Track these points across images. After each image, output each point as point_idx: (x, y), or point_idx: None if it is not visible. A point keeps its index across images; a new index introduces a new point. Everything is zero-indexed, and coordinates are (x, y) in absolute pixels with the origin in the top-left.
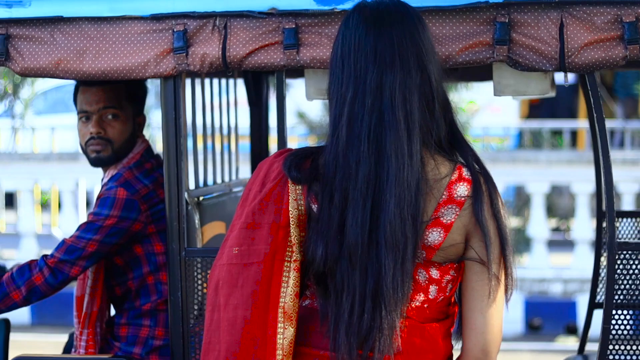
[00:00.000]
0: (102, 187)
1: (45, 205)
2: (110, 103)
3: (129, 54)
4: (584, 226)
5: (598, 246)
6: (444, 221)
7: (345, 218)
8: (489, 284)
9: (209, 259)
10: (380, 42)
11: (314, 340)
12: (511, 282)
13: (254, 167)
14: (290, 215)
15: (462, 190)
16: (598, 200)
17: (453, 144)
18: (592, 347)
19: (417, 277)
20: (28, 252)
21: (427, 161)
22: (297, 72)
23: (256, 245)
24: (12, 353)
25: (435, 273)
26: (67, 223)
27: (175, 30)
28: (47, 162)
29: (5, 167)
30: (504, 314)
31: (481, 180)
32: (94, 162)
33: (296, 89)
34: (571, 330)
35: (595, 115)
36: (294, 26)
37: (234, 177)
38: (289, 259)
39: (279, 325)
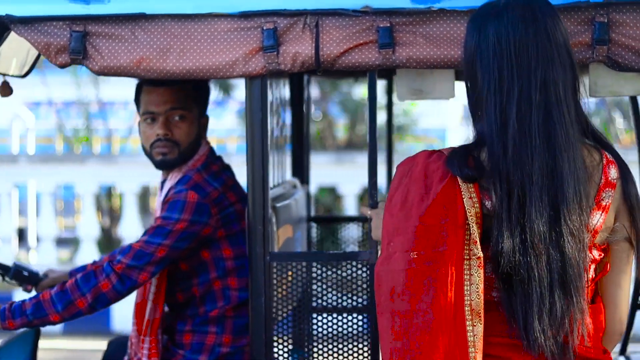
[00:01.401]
0: (169, 190)
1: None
2: (178, 104)
3: (216, 53)
4: None
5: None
6: (604, 204)
7: (524, 212)
8: (629, 259)
9: (293, 263)
10: (540, 38)
11: (501, 329)
12: None
13: (295, 167)
14: (468, 214)
15: (613, 172)
16: None
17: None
18: (635, 348)
19: None
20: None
21: (583, 150)
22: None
23: (436, 248)
24: None
25: (596, 254)
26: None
27: (264, 28)
28: (30, 163)
29: None
30: None
31: (622, 162)
32: (160, 165)
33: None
34: None
35: None
36: (388, 25)
37: (282, 179)
38: (468, 257)
39: (467, 322)
